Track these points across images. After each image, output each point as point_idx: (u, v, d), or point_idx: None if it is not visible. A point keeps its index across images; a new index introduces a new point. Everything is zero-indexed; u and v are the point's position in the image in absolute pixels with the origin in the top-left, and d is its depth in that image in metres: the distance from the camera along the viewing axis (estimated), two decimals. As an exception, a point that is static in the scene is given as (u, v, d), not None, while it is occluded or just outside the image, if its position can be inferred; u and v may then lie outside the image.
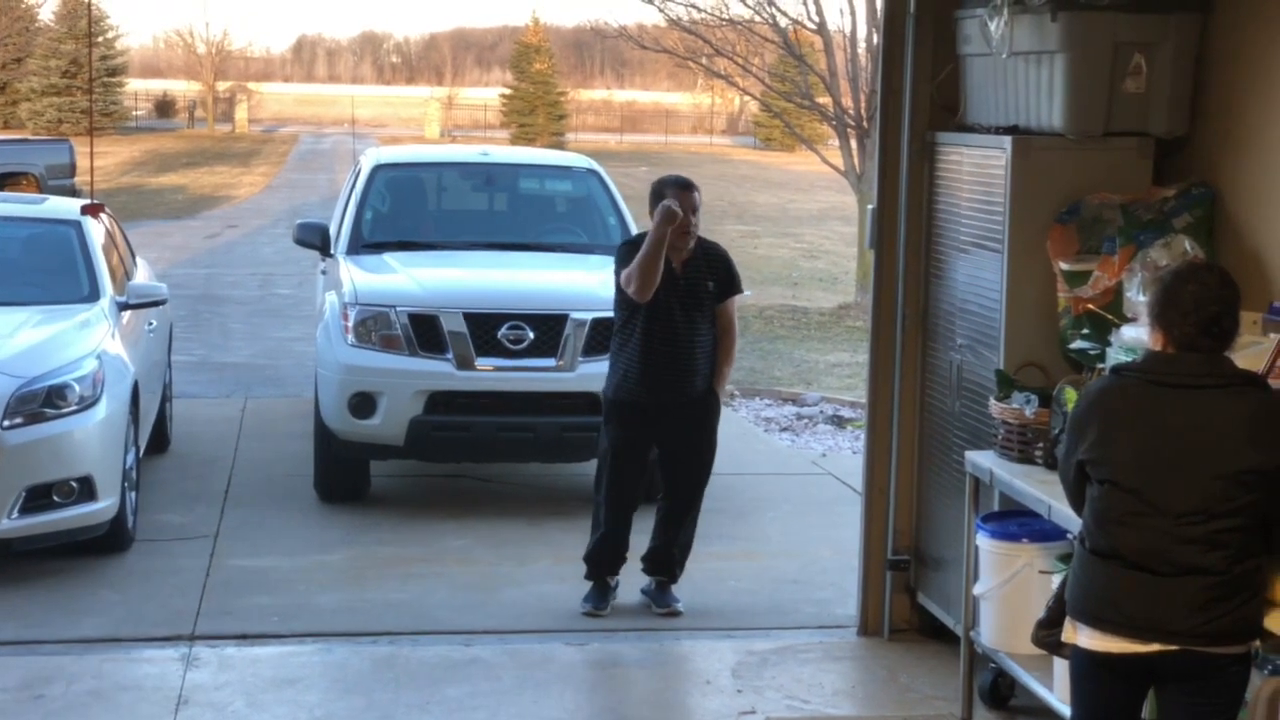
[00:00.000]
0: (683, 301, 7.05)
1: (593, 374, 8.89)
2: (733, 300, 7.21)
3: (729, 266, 7.25)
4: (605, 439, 7.27)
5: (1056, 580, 5.22)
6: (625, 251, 7.18)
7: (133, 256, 10.55)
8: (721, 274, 7.19)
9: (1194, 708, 4.17)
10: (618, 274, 7.12)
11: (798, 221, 32.01)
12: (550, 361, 8.93)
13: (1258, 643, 4.17)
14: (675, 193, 7.02)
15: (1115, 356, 5.39)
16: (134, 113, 64.94)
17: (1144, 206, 5.80)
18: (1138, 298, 5.43)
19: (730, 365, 7.33)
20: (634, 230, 10.33)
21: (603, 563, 7.34)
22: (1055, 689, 5.37)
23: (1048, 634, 4.60)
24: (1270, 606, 4.15)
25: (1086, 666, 4.30)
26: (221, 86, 68.85)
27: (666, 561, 7.36)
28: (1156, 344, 4.25)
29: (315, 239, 10.23)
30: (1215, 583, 4.07)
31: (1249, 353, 4.88)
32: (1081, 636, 4.26)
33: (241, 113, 65.37)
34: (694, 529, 7.41)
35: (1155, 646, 4.12)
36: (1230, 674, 4.14)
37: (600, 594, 7.32)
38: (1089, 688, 4.32)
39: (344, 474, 9.24)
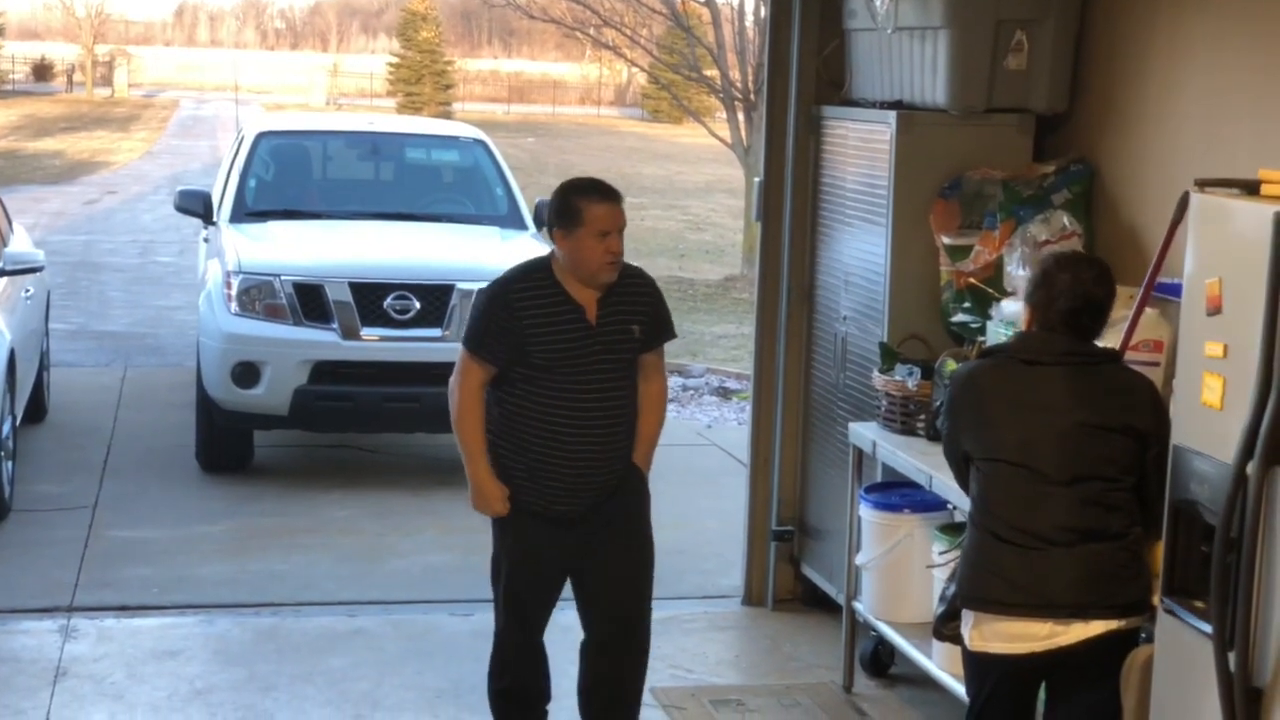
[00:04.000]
0: (600, 358, 4.93)
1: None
2: (662, 348, 5.16)
3: (658, 303, 5.12)
4: (496, 547, 5.20)
5: (942, 572, 5.27)
6: (481, 313, 4.97)
7: (9, 222, 10.34)
8: (649, 314, 5.06)
9: (1098, 696, 4.21)
10: (464, 334, 5.07)
11: (684, 194, 32.05)
12: (436, 332, 8.91)
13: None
14: (594, 205, 4.89)
15: (995, 330, 5.48)
16: (11, 76, 63.48)
17: (1024, 182, 5.89)
18: (1018, 272, 5.52)
19: (659, 432, 5.19)
20: (520, 201, 10.31)
21: (518, 710, 5.33)
22: (934, 657, 5.45)
23: (952, 627, 4.61)
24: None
25: (984, 668, 4.30)
26: (101, 50, 67.52)
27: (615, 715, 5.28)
28: (1024, 322, 4.36)
29: (197, 206, 10.13)
30: (1117, 548, 4.15)
31: (1124, 327, 4.97)
32: (991, 641, 4.24)
33: (121, 77, 64.15)
34: (645, 667, 5.26)
35: (1075, 636, 4.14)
36: (1126, 651, 4.20)
37: None
38: (992, 685, 4.31)
39: (226, 444, 9.15)
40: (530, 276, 4.99)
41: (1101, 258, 4.39)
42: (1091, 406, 4.18)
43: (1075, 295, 4.23)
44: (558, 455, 4.93)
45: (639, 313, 5.02)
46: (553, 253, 5.02)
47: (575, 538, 5.04)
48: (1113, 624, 4.15)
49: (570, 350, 4.89)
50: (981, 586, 4.25)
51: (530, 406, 4.92)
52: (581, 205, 4.89)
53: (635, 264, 5.10)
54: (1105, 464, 4.16)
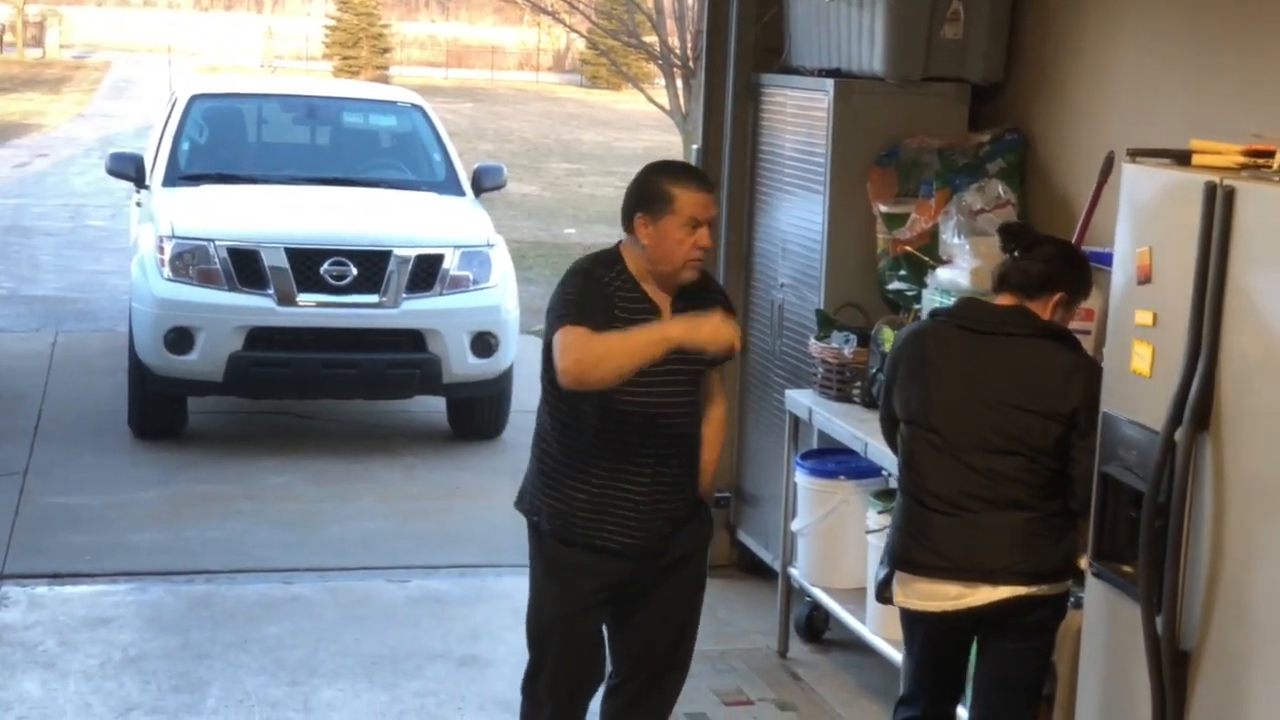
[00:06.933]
0: (675, 369, 4.25)
1: (415, 310, 8.88)
2: (723, 366, 4.54)
3: (729, 308, 4.46)
4: (540, 600, 4.48)
5: (879, 538, 5.30)
6: (578, 289, 4.22)
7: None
8: None
9: (1016, 653, 4.25)
10: (556, 320, 4.19)
11: (623, 160, 31.96)
12: (373, 298, 8.87)
13: (1070, 583, 4.28)
14: (688, 190, 4.23)
15: (931, 297, 5.51)
16: (-62, 36, 62.54)
17: (960, 151, 5.92)
18: (953, 240, 5.55)
19: (719, 455, 4.57)
20: (458, 167, 10.27)
21: None
22: (868, 622, 5.50)
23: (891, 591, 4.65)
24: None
25: (912, 625, 4.40)
26: (32, 10, 66.56)
27: None
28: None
29: (130, 170, 10.01)
30: (1034, 518, 4.16)
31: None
32: (911, 599, 4.31)
33: (52, 38, 63.29)
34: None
35: (982, 598, 4.17)
36: (1050, 614, 4.24)
37: None
38: (919, 643, 4.42)
39: (160, 410, 9.08)
40: (610, 267, 4.28)
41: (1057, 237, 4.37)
42: (1019, 385, 4.16)
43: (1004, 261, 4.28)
44: (630, 479, 4.28)
45: None
46: (622, 245, 4.33)
47: (630, 574, 4.37)
48: (1020, 589, 4.16)
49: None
50: (899, 547, 4.34)
51: (596, 423, 4.25)
52: (672, 190, 4.22)
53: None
54: (1020, 442, 4.15)
